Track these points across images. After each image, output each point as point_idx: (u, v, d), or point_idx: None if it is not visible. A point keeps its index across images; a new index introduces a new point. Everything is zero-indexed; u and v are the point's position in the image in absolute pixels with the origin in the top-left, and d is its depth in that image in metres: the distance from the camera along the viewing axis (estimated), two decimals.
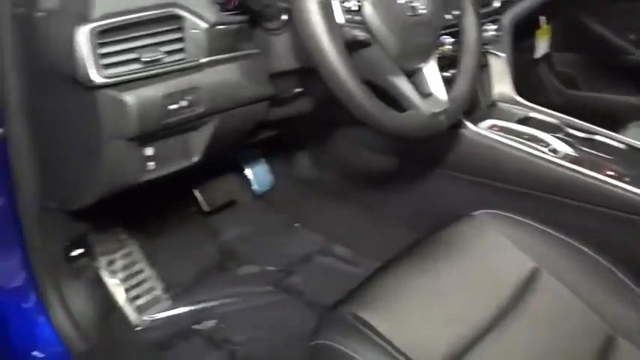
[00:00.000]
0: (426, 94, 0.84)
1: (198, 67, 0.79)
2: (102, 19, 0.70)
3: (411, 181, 1.22)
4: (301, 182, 1.53)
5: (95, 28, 0.69)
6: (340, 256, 1.44)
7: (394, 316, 0.80)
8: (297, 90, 0.98)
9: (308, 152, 1.49)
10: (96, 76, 0.69)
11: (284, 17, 0.86)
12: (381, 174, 1.30)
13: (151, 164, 0.81)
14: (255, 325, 1.23)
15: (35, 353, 1.00)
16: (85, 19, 0.69)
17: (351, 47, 0.74)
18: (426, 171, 1.17)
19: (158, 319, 1.24)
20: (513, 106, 1.21)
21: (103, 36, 0.70)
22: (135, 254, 1.29)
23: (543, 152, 1.01)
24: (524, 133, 1.08)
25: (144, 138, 0.77)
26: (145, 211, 1.30)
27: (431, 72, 0.86)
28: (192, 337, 1.20)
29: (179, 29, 0.77)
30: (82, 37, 0.68)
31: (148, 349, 1.14)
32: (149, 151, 0.80)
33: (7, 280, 0.98)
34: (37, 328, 1.00)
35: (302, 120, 1.12)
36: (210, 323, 1.23)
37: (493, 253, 0.94)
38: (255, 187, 1.52)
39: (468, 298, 0.86)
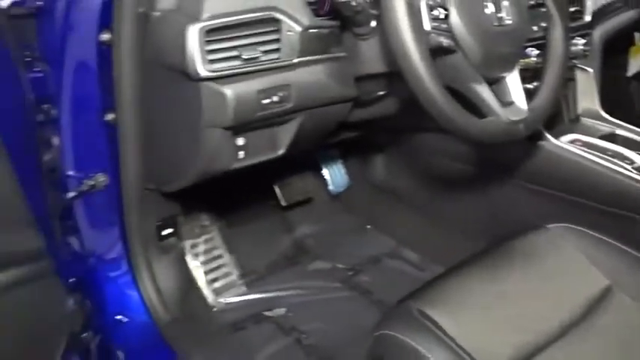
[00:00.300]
0: (506, 103, 0.86)
1: (291, 67, 0.85)
2: (210, 20, 0.78)
3: (485, 190, 1.23)
4: (376, 186, 1.57)
5: (204, 27, 0.77)
6: (409, 260, 1.46)
7: (460, 317, 0.82)
8: (381, 93, 1.03)
9: (384, 156, 1.53)
10: (202, 70, 0.77)
11: (373, 24, 0.91)
12: (454, 182, 1.32)
13: (242, 153, 0.88)
14: (322, 317, 1.28)
15: (121, 317, 1.10)
16: (195, 19, 0.77)
17: (435, 53, 0.78)
18: (501, 181, 1.17)
19: (232, 302, 1.32)
20: (598, 122, 1.19)
21: (210, 34, 0.78)
22: (215, 240, 1.39)
23: (626, 169, 0.99)
24: (608, 150, 1.06)
25: (237, 128, 0.84)
26: (228, 202, 1.39)
27: (513, 82, 0.87)
28: (262, 322, 1.27)
29: (276, 31, 0.83)
30: (193, 34, 0.76)
31: (222, 328, 1.22)
32: (240, 140, 0.87)
33: (105, 250, 1.09)
34: (127, 295, 1.11)
35: (381, 124, 1.16)
36: (280, 311, 1.30)
37: (566, 267, 0.94)
38: (331, 187, 1.58)
39: (536, 308, 0.86)
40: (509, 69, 0.88)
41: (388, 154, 1.51)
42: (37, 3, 0.89)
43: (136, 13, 0.85)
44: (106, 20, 0.87)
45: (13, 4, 0.87)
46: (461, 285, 0.88)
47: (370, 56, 0.92)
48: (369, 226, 1.57)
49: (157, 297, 1.10)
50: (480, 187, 1.25)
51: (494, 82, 0.87)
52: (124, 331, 1.09)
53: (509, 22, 0.83)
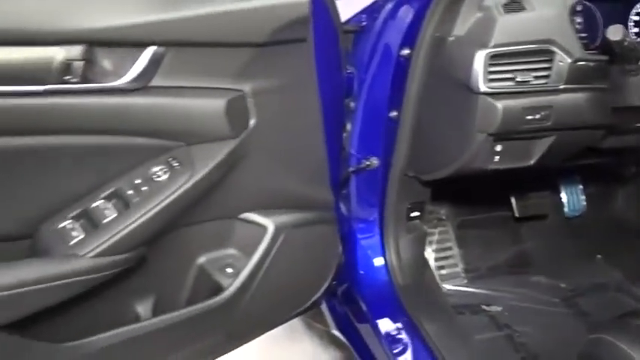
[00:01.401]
0: None
1: (556, 92, 1.00)
2: (495, 47, 0.98)
3: None
4: (613, 217, 1.58)
5: (489, 52, 0.97)
6: (635, 295, 1.46)
7: None
8: (638, 125, 1.10)
9: (626, 188, 1.54)
10: (482, 86, 0.98)
11: None
12: None
13: (497, 157, 1.06)
14: (535, 324, 1.38)
15: (366, 273, 1.36)
16: (484, 46, 0.98)
17: None
18: None
19: (454, 290, 1.50)
20: None
21: (493, 59, 0.98)
22: (449, 234, 1.58)
23: None
24: None
25: (499, 136, 1.03)
26: (466, 202, 1.58)
27: None
28: (479, 313, 1.42)
29: (549, 60, 0.99)
30: (479, 58, 0.97)
31: (444, 306, 1.40)
32: (499, 147, 1.05)
33: (364, 217, 1.37)
34: (373, 257, 1.36)
35: (630, 155, 1.22)
36: (496, 308, 1.44)
37: None
38: (566, 209, 1.65)
39: None
40: None
41: (631, 186, 1.52)
42: (363, 23, 1.19)
43: (434, 37, 1.09)
44: (408, 39, 1.13)
45: (346, 22, 1.19)
46: None
47: (635, 90, 1.01)
48: (599, 256, 1.60)
49: (397, 264, 1.34)
50: None
51: None
52: (367, 285, 1.35)
53: None
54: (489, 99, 0.99)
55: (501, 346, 1.32)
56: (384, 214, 1.35)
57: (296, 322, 1.72)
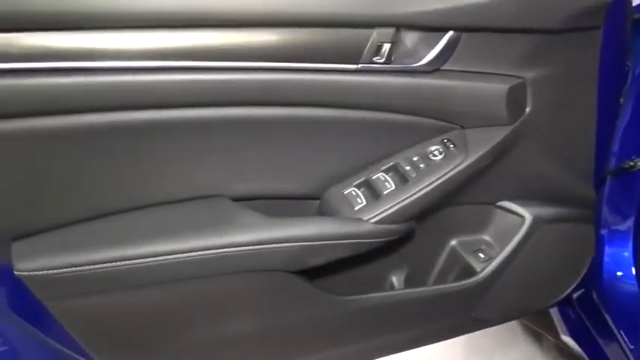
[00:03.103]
0: None
1: None
2: None
3: None
4: None
5: None
6: None
7: None
8: None
9: None
10: None
11: None
12: None
13: None
14: None
15: (610, 280, 1.25)
16: None
17: None
18: None
19: None
20: None
21: None
22: None
23: None
24: None
25: None
26: None
27: None
28: None
29: None
30: None
31: None
32: None
33: (617, 230, 1.26)
34: (623, 266, 1.26)
35: None
36: None
37: None
38: None
39: None
40: None
41: None
42: None
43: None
44: None
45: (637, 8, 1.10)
46: None
47: None
48: None
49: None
50: None
51: None
52: (613, 297, 1.26)
53: None
54: None
55: None
56: None
57: (514, 324, 1.69)
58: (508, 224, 1.04)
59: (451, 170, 0.92)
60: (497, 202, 1.04)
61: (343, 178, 0.95)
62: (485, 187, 1.00)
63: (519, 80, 0.92)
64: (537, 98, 0.94)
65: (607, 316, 1.24)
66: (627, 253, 1.28)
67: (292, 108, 0.86)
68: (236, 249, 0.84)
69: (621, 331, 1.20)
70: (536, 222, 1.03)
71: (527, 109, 0.94)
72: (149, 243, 0.82)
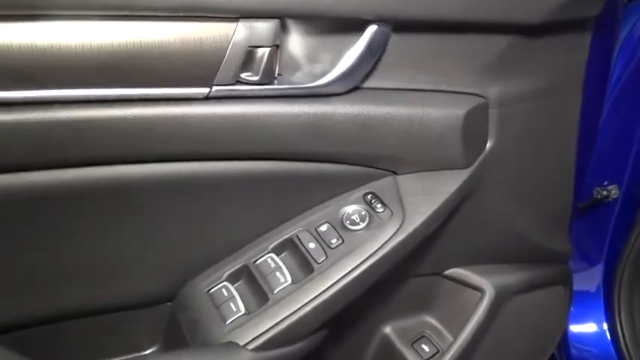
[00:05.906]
0: None
1: None
2: None
3: None
4: None
5: None
6: None
7: None
8: None
9: None
10: None
11: None
12: None
13: None
14: None
15: (577, 339, 1.00)
16: None
17: None
18: None
19: None
20: None
21: None
22: None
23: None
24: None
25: None
26: None
27: None
28: None
29: None
30: None
31: None
32: None
33: (584, 270, 0.99)
34: (592, 321, 1.00)
35: None
36: None
37: None
38: None
39: None
40: None
41: None
42: None
43: None
44: None
45: None
46: None
47: None
48: None
49: (630, 332, 0.96)
50: None
51: None
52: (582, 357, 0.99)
53: None
54: None
55: None
56: (615, 262, 0.97)
57: None
58: (461, 301, 0.72)
59: (380, 249, 0.57)
60: (444, 270, 0.71)
61: (208, 264, 0.58)
62: (428, 252, 0.67)
63: (480, 101, 0.59)
64: (503, 125, 0.62)
65: None
66: (596, 301, 1.02)
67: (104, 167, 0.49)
68: None
69: None
70: (500, 295, 0.71)
71: (489, 143, 0.62)
72: None
